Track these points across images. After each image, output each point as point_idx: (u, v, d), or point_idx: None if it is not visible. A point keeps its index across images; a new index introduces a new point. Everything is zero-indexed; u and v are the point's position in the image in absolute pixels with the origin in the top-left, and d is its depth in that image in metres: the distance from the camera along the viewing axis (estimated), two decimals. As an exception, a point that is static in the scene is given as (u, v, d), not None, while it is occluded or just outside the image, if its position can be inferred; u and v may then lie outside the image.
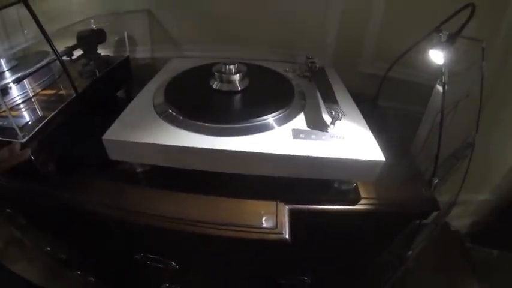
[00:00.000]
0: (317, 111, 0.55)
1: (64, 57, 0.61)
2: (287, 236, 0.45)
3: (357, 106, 0.58)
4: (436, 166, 0.53)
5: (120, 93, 0.80)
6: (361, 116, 0.55)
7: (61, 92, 0.62)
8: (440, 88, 0.53)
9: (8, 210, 0.66)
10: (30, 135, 0.49)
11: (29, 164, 0.50)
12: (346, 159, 0.45)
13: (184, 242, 0.54)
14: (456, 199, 0.75)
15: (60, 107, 0.55)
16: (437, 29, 0.55)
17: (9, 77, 0.58)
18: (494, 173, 0.96)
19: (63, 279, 0.97)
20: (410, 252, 0.66)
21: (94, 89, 0.64)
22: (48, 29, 0.51)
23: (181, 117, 0.51)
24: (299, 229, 0.47)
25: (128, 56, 0.78)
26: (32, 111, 0.56)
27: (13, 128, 0.48)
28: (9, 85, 0.56)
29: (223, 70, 0.57)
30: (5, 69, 0.60)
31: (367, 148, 0.47)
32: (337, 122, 0.49)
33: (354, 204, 0.50)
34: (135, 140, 0.47)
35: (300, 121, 0.52)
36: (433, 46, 0.54)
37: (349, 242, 0.59)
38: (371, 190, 0.52)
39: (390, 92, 0.75)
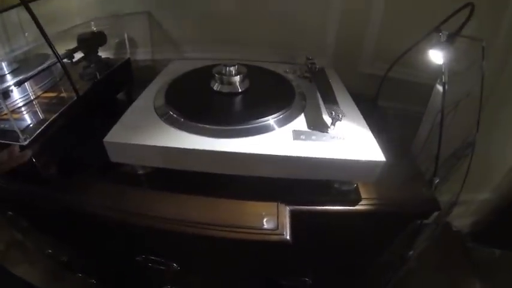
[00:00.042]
0: (317, 112, 0.55)
1: (65, 60, 0.61)
2: (288, 237, 0.45)
3: (357, 106, 0.58)
4: (436, 166, 0.53)
5: (120, 96, 0.81)
6: (361, 117, 0.55)
7: (62, 94, 0.62)
8: (440, 88, 0.53)
9: (10, 213, 0.66)
10: (32, 137, 0.49)
11: (30, 166, 0.51)
12: (347, 160, 0.45)
13: (185, 244, 0.54)
14: (457, 199, 0.75)
15: (61, 110, 0.55)
16: (437, 29, 0.55)
17: (10, 80, 0.58)
18: (494, 172, 0.96)
19: (65, 281, 0.97)
20: (411, 252, 0.66)
21: (95, 92, 0.64)
22: (49, 31, 0.51)
23: (182, 119, 0.51)
24: (300, 230, 0.47)
25: (129, 58, 0.78)
26: (33, 113, 0.56)
27: (15, 131, 0.48)
28: (11, 88, 0.56)
29: (223, 72, 0.57)
30: (6, 72, 0.60)
31: (367, 148, 0.47)
32: (338, 123, 0.49)
33: (354, 205, 0.50)
34: (136, 142, 0.47)
35: (300, 122, 0.52)
36: (432, 46, 0.54)
37: (350, 243, 0.59)
38: (372, 190, 0.52)
39: (390, 92, 0.75)
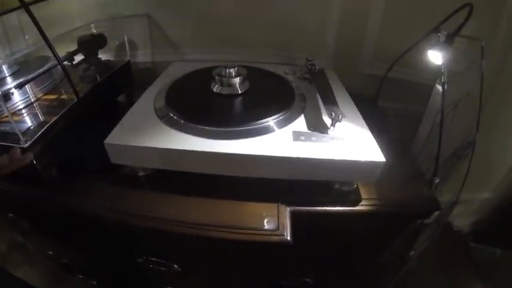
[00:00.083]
0: (317, 113, 0.55)
1: (65, 62, 0.62)
2: (289, 238, 0.45)
3: (357, 107, 0.58)
4: (436, 166, 0.53)
5: (121, 98, 0.81)
6: (361, 117, 0.55)
7: (62, 96, 0.62)
8: (440, 88, 0.53)
9: (11, 215, 0.66)
10: (33, 140, 0.49)
11: (31, 168, 0.51)
12: (347, 160, 0.45)
13: (186, 245, 0.54)
14: (458, 198, 0.75)
15: (62, 112, 0.55)
16: (436, 29, 0.55)
17: (11, 83, 0.58)
18: (495, 172, 0.96)
19: (66, 283, 0.98)
20: (412, 252, 0.66)
21: (95, 94, 0.64)
22: (49, 34, 0.52)
23: (183, 121, 0.51)
24: (301, 231, 0.47)
25: (129, 61, 0.78)
26: (34, 116, 0.56)
27: (15, 133, 0.48)
28: (11, 90, 0.56)
29: (223, 73, 0.58)
30: (7, 75, 0.60)
31: (367, 149, 0.47)
32: (338, 124, 0.49)
33: (355, 205, 0.50)
34: (137, 144, 0.48)
35: (300, 123, 0.52)
36: (431, 46, 0.55)
37: (351, 243, 0.59)
38: (372, 191, 0.52)
39: (390, 92, 0.75)
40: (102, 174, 0.56)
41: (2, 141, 0.49)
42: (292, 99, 0.57)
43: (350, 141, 0.48)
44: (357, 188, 0.52)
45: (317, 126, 0.51)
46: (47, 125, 0.52)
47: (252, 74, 0.60)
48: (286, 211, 0.49)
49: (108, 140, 0.48)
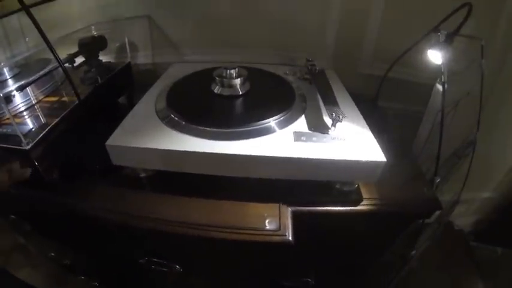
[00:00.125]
0: (318, 114, 0.55)
1: (66, 65, 0.62)
2: (290, 238, 0.45)
3: (357, 107, 0.59)
4: (437, 165, 0.53)
5: (121, 99, 0.81)
6: (361, 117, 0.55)
7: (64, 98, 0.62)
8: (440, 87, 0.53)
9: (12, 217, 0.67)
10: (34, 142, 0.49)
11: (33, 170, 0.51)
12: (348, 160, 0.45)
13: (187, 246, 0.55)
14: (459, 198, 0.75)
15: (63, 114, 0.55)
16: (436, 29, 0.55)
17: (12, 85, 0.58)
18: (495, 171, 0.96)
19: (68, 284, 0.98)
20: (413, 252, 0.66)
21: (96, 96, 0.64)
22: (50, 36, 0.52)
23: (184, 122, 0.51)
24: (302, 231, 0.47)
25: (129, 62, 0.78)
26: (35, 118, 0.56)
27: (17, 135, 0.48)
28: (13, 93, 0.56)
29: (224, 75, 0.58)
30: (8, 77, 0.61)
31: (368, 149, 0.47)
32: (338, 124, 0.49)
33: (356, 205, 0.50)
34: (138, 146, 0.48)
35: (301, 124, 0.52)
36: (431, 46, 0.55)
37: (352, 243, 0.59)
38: (373, 191, 0.52)
39: (390, 92, 0.75)
40: (104, 175, 0.56)
41: (3, 143, 0.49)
42: (292, 99, 0.57)
43: (351, 141, 0.48)
44: (358, 188, 0.52)
45: (318, 127, 0.51)
46: (49, 127, 0.52)
47: (252, 75, 0.61)
48: (288, 211, 0.49)
49: (110, 142, 0.49)
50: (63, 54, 0.63)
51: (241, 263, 0.59)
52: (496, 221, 1.04)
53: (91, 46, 0.69)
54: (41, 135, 0.51)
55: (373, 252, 0.64)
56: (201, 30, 0.83)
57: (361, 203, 0.50)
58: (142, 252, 0.59)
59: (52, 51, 0.53)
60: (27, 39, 0.76)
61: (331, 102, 0.54)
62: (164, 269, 0.60)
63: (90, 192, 0.54)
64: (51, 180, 0.54)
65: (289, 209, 0.49)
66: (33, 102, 0.60)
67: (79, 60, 0.68)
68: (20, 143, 0.48)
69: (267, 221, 0.47)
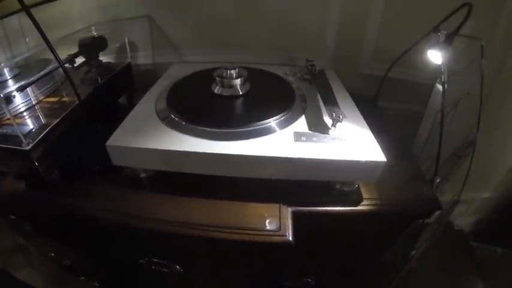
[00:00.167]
0: (318, 114, 0.55)
1: (66, 65, 0.62)
2: (290, 238, 0.45)
3: (357, 107, 0.59)
4: (437, 165, 0.53)
5: (122, 100, 0.81)
6: (361, 117, 0.55)
7: (64, 99, 0.62)
8: (440, 87, 0.53)
9: (12, 217, 0.67)
10: (35, 142, 0.49)
11: (33, 171, 0.51)
12: (348, 160, 0.45)
13: (187, 246, 0.55)
14: (459, 198, 0.75)
15: (63, 114, 0.55)
16: (435, 29, 0.55)
17: (12, 85, 0.58)
18: (495, 171, 0.96)
19: (68, 285, 0.98)
20: (413, 252, 0.66)
21: (96, 96, 0.64)
22: (50, 37, 0.52)
23: (184, 123, 0.51)
24: (302, 231, 0.47)
25: (129, 63, 0.78)
26: (35, 118, 0.56)
27: (17, 136, 0.48)
28: (13, 93, 0.56)
29: (224, 75, 0.58)
30: (8, 78, 0.61)
31: (368, 149, 0.47)
32: (338, 124, 0.49)
33: (356, 205, 0.50)
34: (139, 146, 0.48)
35: (301, 124, 0.52)
36: (431, 46, 0.55)
37: (352, 243, 0.59)
38: (373, 191, 0.52)
39: (390, 92, 0.75)
40: (104, 176, 0.56)
41: (4, 143, 0.49)
42: (292, 100, 0.57)
43: (351, 141, 0.48)
44: (358, 188, 0.52)
45: (318, 127, 0.51)
46: (49, 128, 0.52)
47: (252, 75, 0.61)
48: (288, 211, 0.49)
49: (110, 142, 0.49)
50: (63, 55, 0.63)
51: (242, 263, 0.59)
52: (496, 221, 1.05)
53: (91, 46, 0.69)
54: (41, 135, 0.51)
55: (373, 252, 0.64)
56: (202, 31, 0.83)
57: (361, 203, 0.50)
58: (143, 252, 0.59)
59: (52, 52, 0.53)
60: (27, 39, 0.76)
61: (331, 102, 0.54)
62: (164, 270, 0.60)
63: (91, 192, 0.54)
64: (52, 180, 0.54)
65: (290, 209, 0.49)
66: (34, 103, 0.60)
67: (79, 60, 0.68)
68: (20, 143, 0.48)
69: (267, 221, 0.47)
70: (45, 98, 0.62)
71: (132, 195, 0.53)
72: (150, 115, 0.55)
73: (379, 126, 0.54)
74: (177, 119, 0.52)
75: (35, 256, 0.98)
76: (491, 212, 1.06)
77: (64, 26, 0.75)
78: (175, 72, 0.72)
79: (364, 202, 0.51)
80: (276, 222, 0.47)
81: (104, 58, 0.74)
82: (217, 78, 0.58)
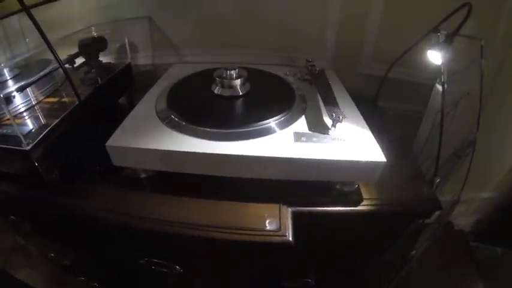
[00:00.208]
0: (318, 114, 0.55)
1: (66, 65, 0.62)
2: (291, 238, 0.45)
3: (357, 107, 0.59)
4: (437, 166, 0.53)
5: (121, 100, 0.81)
6: (361, 118, 0.55)
7: (64, 99, 0.62)
8: (440, 87, 0.53)
9: (12, 217, 0.67)
10: (34, 142, 0.49)
11: (33, 171, 0.51)
12: (348, 161, 0.45)
13: (187, 246, 0.55)
14: (459, 198, 0.75)
15: (63, 115, 0.55)
16: (435, 29, 0.55)
17: (12, 86, 0.58)
18: (495, 171, 0.96)
19: (68, 285, 0.98)
20: (413, 252, 0.66)
21: (96, 96, 0.65)
22: (50, 37, 0.52)
23: (184, 123, 0.51)
24: (302, 231, 0.47)
25: (129, 63, 0.78)
26: (35, 119, 0.56)
27: (17, 136, 0.48)
28: (13, 93, 0.56)
29: (224, 75, 0.58)
30: (8, 78, 0.61)
31: (368, 149, 0.47)
32: (338, 124, 0.49)
33: (356, 205, 0.50)
34: (139, 146, 0.48)
35: (301, 124, 0.52)
36: (431, 46, 0.55)
37: (352, 243, 0.59)
38: (373, 191, 0.52)
39: (390, 92, 0.75)
40: (104, 176, 0.56)
41: (4, 144, 0.49)
42: (292, 100, 0.57)
43: (351, 141, 0.48)
44: (358, 188, 0.52)
45: (318, 127, 0.51)
46: (49, 128, 0.52)
47: (252, 76, 0.61)
48: (288, 212, 0.49)
49: (110, 142, 0.49)
50: (63, 55, 0.63)
51: (242, 263, 0.59)
52: (496, 221, 1.05)
53: (91, 47, 0.69)
54: (41, 135, 0.51)
55: (373, 252, 0.64)
56: (201, 31, 0.83)
57: (361, 203, 0.50)
58: (143, 252, 0.59)
59: (52, 52, 0.53)
60: (27, 40, 0.76)
61: (331, 102, 0.54)
62: (164, 270, 0.60)
63: (91, 192, 0.54)
64: (52, 180, 0.54)
65: (290, 209, 0.49)
66: (34, 103, 0.60)
67: (79, 61, 0.68)
68: (20, 143, 0.48)
69: (267, 222, 0.47)
70: (45, 98, 0.62)
71: (132, 196, 0.53)
72: (150, 115, 0.55)
73: (379, 127, 0.54)
74: (177, 119, 0.52)
75: (35, 256, 0.98)
76: (491, 212, 1.06)
77: (64, 27, 0.75)
78: (175, 73, 0.72)
79: (364, 202, 0.51)
80: (276, 222, 0.47)
81: (104, 59, 0.74)
82: (217, 78, 0.58)
